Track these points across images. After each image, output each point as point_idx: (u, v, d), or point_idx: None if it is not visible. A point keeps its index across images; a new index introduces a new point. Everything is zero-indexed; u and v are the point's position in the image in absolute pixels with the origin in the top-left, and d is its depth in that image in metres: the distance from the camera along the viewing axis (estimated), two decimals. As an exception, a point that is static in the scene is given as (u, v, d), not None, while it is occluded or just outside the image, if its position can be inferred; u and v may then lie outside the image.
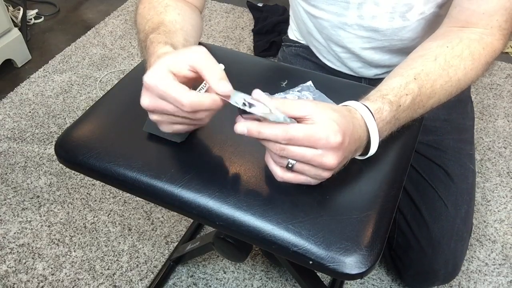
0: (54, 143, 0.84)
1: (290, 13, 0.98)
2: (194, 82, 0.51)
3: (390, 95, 0.55)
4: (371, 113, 0.52)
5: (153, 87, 0.47)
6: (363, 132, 0.52)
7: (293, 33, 1.00)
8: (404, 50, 0.79)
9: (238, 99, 0.47)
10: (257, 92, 0.46)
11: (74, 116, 1.46)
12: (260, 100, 0.46)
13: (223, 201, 0.52)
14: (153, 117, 0.51)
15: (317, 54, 0.94)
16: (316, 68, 0.95)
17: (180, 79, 0.48)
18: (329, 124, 0.46)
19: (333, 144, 0.46)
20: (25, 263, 1.08)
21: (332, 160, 0.47)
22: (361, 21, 0.77)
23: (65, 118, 1.45)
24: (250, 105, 0.46)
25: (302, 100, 0.48)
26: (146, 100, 0.49)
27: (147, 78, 0.47)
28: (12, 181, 1.26)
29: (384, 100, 0.54)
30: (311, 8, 0.81)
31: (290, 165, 0.48)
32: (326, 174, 0.49)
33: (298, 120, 0.47)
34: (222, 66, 0.71)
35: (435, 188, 0.84)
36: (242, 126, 0.47)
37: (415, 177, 0.87)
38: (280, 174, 0.50)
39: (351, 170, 0.53)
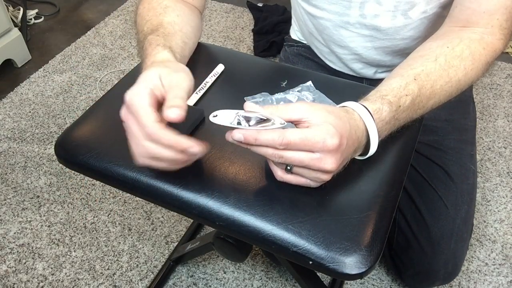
0: (54, 143, 0.84)
1: (292, 13, 0.98)
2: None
3: (389, 96, 0.55)
4: (370, 113, 0.52)
5: (128, 105, 0.48)
6: (362, 133, 0.51)
7: (295, 33, 1.00)
8: (406, 51, 0.79)
9: (231, 118, 0.47)
10: (248, 104, 0.47)
11: (74, 116, 1.46)
12: (254, 110, 0.47)
13: (223, 201, 0.52)
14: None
15: (319, 55, 0.94)
16: (318, 68, 0.95)
17: (160, 99, 0.49)
18: (325, 127, 0.46)
19: (330, 147, 0.46)
20: (25, 263, 1.08)
21: (330, 163, 0.46)
22: (363, 20, 0.77)
23: (65, 118, 1.45)
24: (247, 120, 0.47)
25: (296, 103, 0.48)
26: (122, 112, 0.49)
27: (127, 95, 0.48)
28: (12, 181, 1.26)
29: (384, 101, 0.54)
30: (312, 9, 0.81)
31: (289, 167, 0.48)
32: (326, 177, 0.49)
33: (294, 123, 0.47)
34: (222, 66, 0.72)
35: (435, 188, 0.84)
36: (238, 133, 0.46)
37: (415, 177, 0.87)
38: (280, 174, 0.50)
39: (351, 170, 0.53)
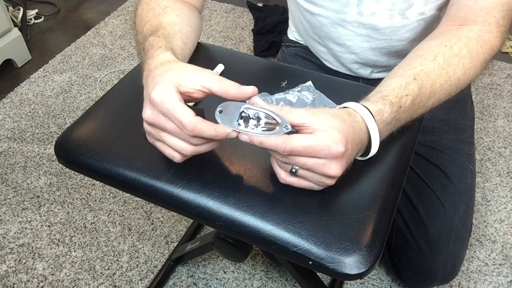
0: (54, 143, 0.84)
1: (289, 14, 0.98)
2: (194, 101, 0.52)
3: (390, 96, 0.55)
4: (372, 114, 0.52)
5: (159, 104, 0.47)
6: (364, 134, 0.52)
7: (292, 34, 1.00)
8: (402, 53, 0.79)
9: (236, 115, 0.47)
10: (255, 99, 0.48)
11: (74, 116, 1.46)
12: (260, 106, 0.47)
13: (223, 201, 0.52)
14: (148, 129, 0.51)
15: (316, 55, 0.94)
16: (316, 68, 0.95)
17: (184, 97, 0.49)
18: (331, 132, 0.46)
19: (336, 153, 0.46)
20: (25, 263, 1.08)
21: (335, 169, 0.47)
22: (361, 18, 0.77)
23: (65, 118, 1.45)
24: (254, 117, 0.47)
25: (299, 109, 0.48)
26: (148, 113, 0.49)
27: (154, 94, 0.48)
28: (12, 181, 1.26)
29: (385, 102, 0.54)
30: (310, 5, 0.81)
31: (294, 170, 0.48)
32: (330, 182, 0.49)
33: (296, 128, 0.47)
34: (222, 66, 0.72)
35: (433, 188, 0.84)
36: (244, 136, 0.48)
37: (412, 177, 0.87)
38: (284, 176, 0.50)
39: (351, 170, 0.53)
